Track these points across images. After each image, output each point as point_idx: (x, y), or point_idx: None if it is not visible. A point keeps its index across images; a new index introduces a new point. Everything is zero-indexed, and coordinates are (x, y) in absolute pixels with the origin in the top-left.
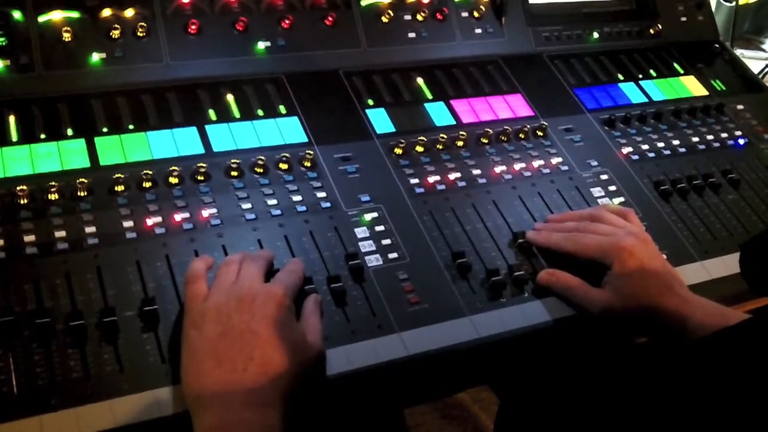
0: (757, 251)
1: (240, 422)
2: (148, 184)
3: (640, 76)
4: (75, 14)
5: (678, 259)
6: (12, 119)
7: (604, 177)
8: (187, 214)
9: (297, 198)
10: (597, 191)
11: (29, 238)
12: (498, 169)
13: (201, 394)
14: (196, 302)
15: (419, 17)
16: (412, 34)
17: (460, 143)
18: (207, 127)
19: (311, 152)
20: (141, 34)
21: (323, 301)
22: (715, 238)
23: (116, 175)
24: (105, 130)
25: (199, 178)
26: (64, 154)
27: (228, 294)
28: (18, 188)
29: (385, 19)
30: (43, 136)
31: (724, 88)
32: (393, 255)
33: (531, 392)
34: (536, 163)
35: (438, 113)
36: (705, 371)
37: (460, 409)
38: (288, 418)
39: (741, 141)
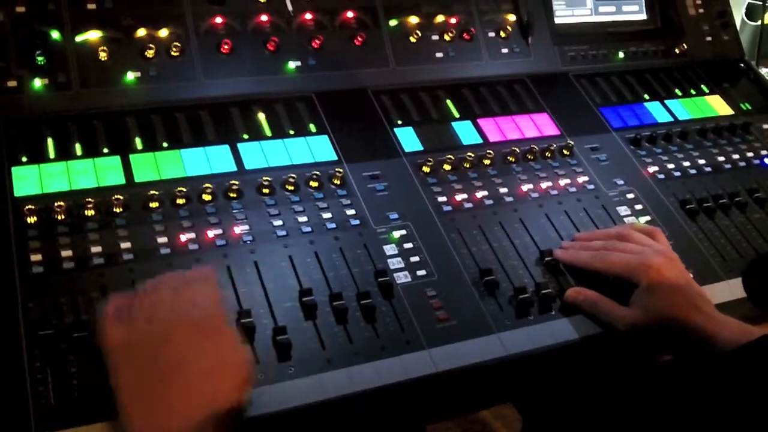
0: (760, 268)
1: None
2: (181, 201)
3: (666, 95)
4: (111, 34)
5: (704, 278)
6: (49, 136)
7: (630, 196)
8: (219, 231)
9: (327, 215)
10: (623, 210)
11: (66, 252)
12: (525, 188)
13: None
14: (117, 342)
15: (447, 37)
16: (439, 54)
17: (487, 162)
18: (239, 145)
19: (341, 170)
20: (175, 54)
21: (353, 314)
22: (742, 257)
23: (151, 192)
24: (140, 147)
25: (231, 195)
26: (99, 171)
27: (153, 326)
28: (55, 204)
29: (413, 39)
30: (79, 153)
31: (749, 107)
32: (421, 272)
33: (557, 410)
34: (562, 182)
35: (465, 132)
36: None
37: (481, 425)
38: None
39: (767, 160)
